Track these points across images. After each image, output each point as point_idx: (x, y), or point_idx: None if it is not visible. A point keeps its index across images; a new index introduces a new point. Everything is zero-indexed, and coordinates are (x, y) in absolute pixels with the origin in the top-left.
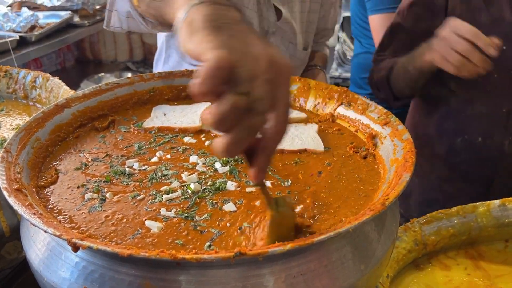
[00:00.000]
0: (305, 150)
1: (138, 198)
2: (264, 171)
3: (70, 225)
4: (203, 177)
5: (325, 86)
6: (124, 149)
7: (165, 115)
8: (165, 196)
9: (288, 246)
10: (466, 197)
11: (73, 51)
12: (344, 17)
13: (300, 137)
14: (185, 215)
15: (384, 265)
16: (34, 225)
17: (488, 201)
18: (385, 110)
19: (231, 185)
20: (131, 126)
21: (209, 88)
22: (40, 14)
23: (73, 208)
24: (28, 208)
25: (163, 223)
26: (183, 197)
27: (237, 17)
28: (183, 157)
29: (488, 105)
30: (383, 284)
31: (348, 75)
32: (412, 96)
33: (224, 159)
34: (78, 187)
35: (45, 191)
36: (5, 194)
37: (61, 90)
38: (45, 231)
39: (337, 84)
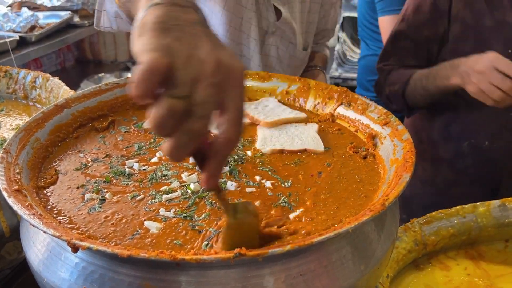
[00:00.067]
0: (305, 150)
1: (138, 198)
2: (216, 176)
3: (69, 226)
4: None
5: (325, 86)
6: (124, 149)
7: None
8: (164, 196)
9: (288, 246)
10: (472, 200)
11: (73, 51)
12: (344, 17)
13: (300, 137)
14: (184, 215)
15: (384, 265)
16: (33, 225)
17: (488, 201)
18: (385, 110)
19: (231, 185)
20: (131, 126)
21: (143, 92)
22: (40, 14)
23: (72, 209)
24: (27, 208)
25: (162, 224)
26: (182, 197)
27: (192, 19)
28: None
29: (496, 108)
30: (383, 284)
31: (348, 75)
32: (427, 106)
33: None
34: (77, 188)
35: (45, 192)
36: (5, 194)
37: (61, 90)
38: (44, 232)
39: (337, 84)
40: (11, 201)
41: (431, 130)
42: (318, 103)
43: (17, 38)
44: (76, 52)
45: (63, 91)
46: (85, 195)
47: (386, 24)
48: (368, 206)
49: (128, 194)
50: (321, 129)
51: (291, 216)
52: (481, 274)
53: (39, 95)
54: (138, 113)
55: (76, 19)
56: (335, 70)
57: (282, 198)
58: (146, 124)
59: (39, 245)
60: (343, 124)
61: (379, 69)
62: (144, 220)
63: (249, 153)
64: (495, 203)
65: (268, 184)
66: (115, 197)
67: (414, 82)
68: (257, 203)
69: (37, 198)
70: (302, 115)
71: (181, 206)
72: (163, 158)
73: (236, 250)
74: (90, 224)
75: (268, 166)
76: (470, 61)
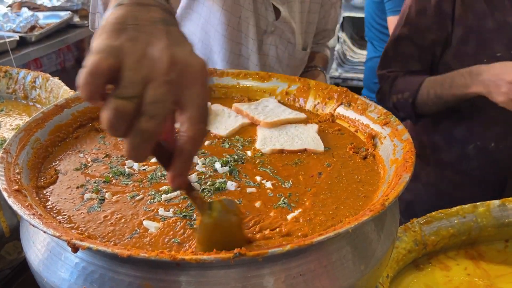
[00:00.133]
0: (305, 150)
1: (137, 198)
2: (183, 175)
3: (69, 225)
4: (203, 177)
5: (325, 86)
6: (124, 149)
7: None
8: (164, 196)
9: (288, 246)
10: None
11: (73, 51)
12: (344, 17)
13: (300, 137)
14: (183, 214)
15: (384, 265)
16: (33, 225)
17: (488, 201)
18: (384, 110)
19: (231, 185)
20: None
21: (88, 94)
22: (40, 15)
23: (72, 208)
24: (27, 209)
25: (161, 223)
26: (181, 196)
27: (154, 18)
28: None
29: (501, 110)
30: (383, 284)
31: (348, 75)
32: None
33: (223, 159)
34: (77, 188)
35: (45, 192)
36: (5, 194)
37: (61, 91)
38: (44, 232)
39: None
40: (11, 201)
41: (434, 134)
42: (318, 103)
43: (17, 38)
44: (76, 52)
45: (63, 91)
46: (85, 195)
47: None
48: (368, 206)
49: (127, 194)
50: (321, 129)
51: (289, 216)
52: (481, 274)
53: (39, 95)
54: None
55: (76, 19)
56: (335, 70)
57: (282, 199)
58: None
59: (39, 245)
60: (343, 124)
61: (381, 76)
62: (143, 219)
63: (249, 153)
64: (495, 203)
65: (268, 184)
66: (114, 197)
67: (427, 90)
68: (257, 204)
69: (37, 198)
70: (302, 115)
71: (180, 205)
72: None
73: (236, 250)
74: (90, 223)
75: (269, 166)
76: (494, 69)
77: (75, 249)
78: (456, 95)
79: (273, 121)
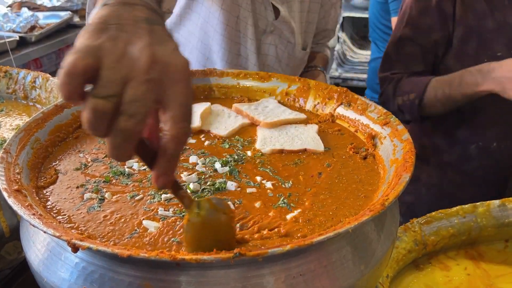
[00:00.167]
0: (305, 150)
1: (137, 198)
2: (168, 175)
3: (69, 225)
4: (203, 177)
5: (325, 86)
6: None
7: None
8: (163, 195)
9: (288, 246)
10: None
11: None
12: (344, 17)
13: (300, 137)
14: (183, 214)
15: (384, 265)
16: (33, 225)
17: (487, 201)
18: (384, 110)
19: (231, 185)
20: None
21: (67, 94)
22: (40, 15)
23: (72, 208)
24: (27, 209)
25: (160, 223)
26: None
27: (138, 16)
28: (182, 157)
29: (503, 109)
30: (383, 284)
31: (348, 75)
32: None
33: (223, 159)
34: (77, 187)
35: (45, 192)
36: (5, 194)
37: None
38: (44, 232)
39: (337, 84)
40: (11, 201)
41: (435, 135)
42: (318, 103)
43: (17, 38)
44: None
45: None
46: (85, 195)
47: None
48: (367, 206)
49: (127, 193)
50: (321, 129)
51: (288, 216)
52: (481, 274)
53: (39, 95)
54: None
55: (76, 19)
56: (335, 70)
57: (281, 199)
58: None
59: (39, 245)
60: (343, 124)
61: (384, 78)
62: (143, 219)
63: (249, 153)
64: (495, 203)
65: (268, 184)
66: (114, 197)
67: (434, 90)
68: (257, 204)
69: (37, 198)
70: (302, 116)
71: (180, 205)
72: None
73: (236, 250)
74: (89, 223)
75: (269, 167)
76: (507, 66)
77: (75, 249)
78: (466, 94)
79: (273, 122)
